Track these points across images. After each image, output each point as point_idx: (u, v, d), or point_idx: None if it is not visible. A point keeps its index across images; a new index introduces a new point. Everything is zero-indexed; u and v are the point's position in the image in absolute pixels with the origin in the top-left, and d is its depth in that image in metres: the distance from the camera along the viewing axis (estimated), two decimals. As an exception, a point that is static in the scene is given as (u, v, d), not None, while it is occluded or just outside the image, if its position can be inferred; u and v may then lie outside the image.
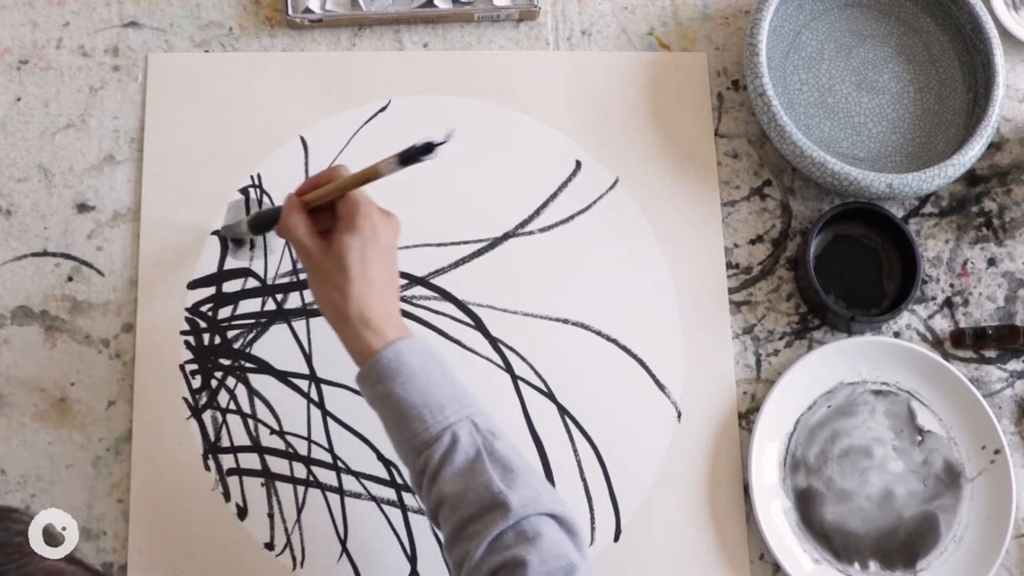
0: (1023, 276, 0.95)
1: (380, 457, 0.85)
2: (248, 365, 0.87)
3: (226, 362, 0.87)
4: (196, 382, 0.86)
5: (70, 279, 0.88)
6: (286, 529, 0.84)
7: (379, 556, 0.84)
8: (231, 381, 0.86)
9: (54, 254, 0.89)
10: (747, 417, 0.89)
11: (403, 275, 0.90)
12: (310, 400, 0.87)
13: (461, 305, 0.90)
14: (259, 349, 0.87)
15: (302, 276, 0.89)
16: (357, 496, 0.85)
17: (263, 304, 0.88)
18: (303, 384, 0.87)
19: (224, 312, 0.88)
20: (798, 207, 0.95)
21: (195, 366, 0.86)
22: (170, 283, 0.88)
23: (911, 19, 1.00)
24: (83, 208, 0.90)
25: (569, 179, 0.94)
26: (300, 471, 0.85)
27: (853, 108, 0.97)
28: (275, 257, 0.90)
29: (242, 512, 0.84)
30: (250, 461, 0.85)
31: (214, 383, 0.86)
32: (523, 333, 0.89)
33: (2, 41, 0.93)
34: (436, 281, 0.90)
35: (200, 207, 0.90)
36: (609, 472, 0.87)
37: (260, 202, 0.90)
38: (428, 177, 0.92)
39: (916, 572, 0.87)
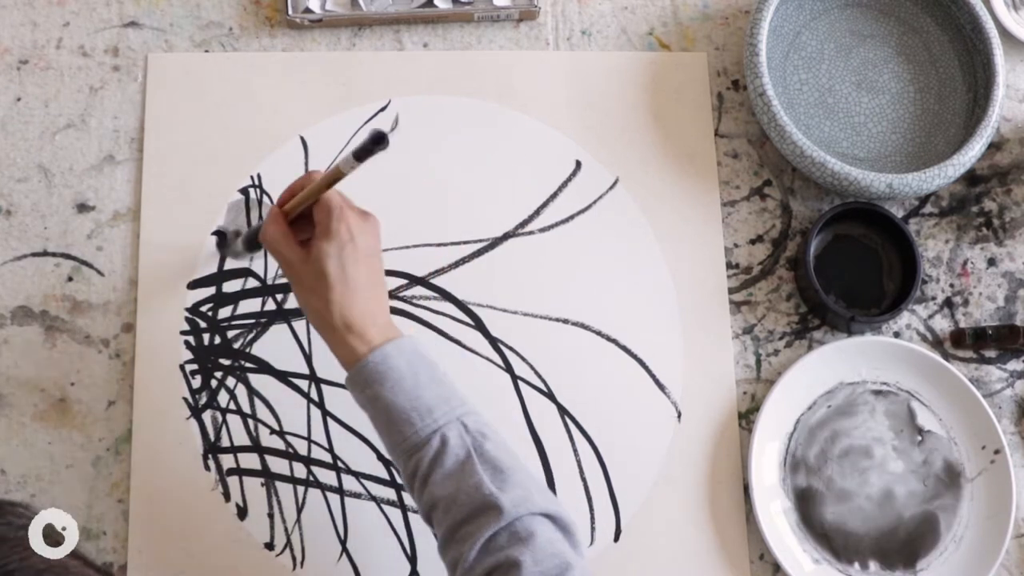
0: (1023, 276, 0.95)
1: (380, 457, 0.85)
2: (248, 365, 0.87)
3: (226, 362, 0.87)
4: (196, 382, 0.86)
5: (70, 279, 0.88)
6: (286, 529, 0.84)
7: (379, 556, 0.84)
8: (231, 381, 0.86)
9: (54, 254, 0.89)
10: (747, 417, 0.89)
11: (403, 275, 0.90)
12: (310, 400, 0.87)
13: (461, 305, 0.90)
14: (259, 349, 0.87)
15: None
16: (357, 496, 0.85)
17: (263, 304, 0.88)
18: (303, 384, 0.87)
19: (224, 312, 0.88)
20: (798, 207, 0.95)
21: (195, 366, 0.86)
22: (170, 283, 0.88)
23: (911, 19, 1.00)
24: (83, 208, 0.90)
25: (569, 179, 0.94)
26: (300, 471, 0.85)
27: (853, 108, 0.97)
28: (275, 257, 0.90)
29: (242, 512, 0.84)
30: (250, 461, 0.85)
31: (214, 383, 0.86)
32: (523, 333, 0.89)
33: (2, 41, 0.93)
34: (436, 281, 0.90)
35: (200, 207, 0.90)
36: (609, 472, 0.87)
37: (260, 202, 0.90)
38: (428, 177, 0.92)
39: (916, 572, 0.87)
